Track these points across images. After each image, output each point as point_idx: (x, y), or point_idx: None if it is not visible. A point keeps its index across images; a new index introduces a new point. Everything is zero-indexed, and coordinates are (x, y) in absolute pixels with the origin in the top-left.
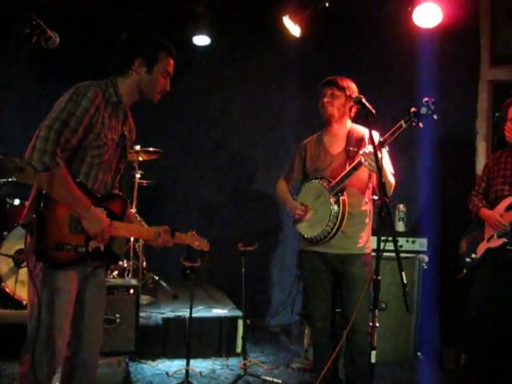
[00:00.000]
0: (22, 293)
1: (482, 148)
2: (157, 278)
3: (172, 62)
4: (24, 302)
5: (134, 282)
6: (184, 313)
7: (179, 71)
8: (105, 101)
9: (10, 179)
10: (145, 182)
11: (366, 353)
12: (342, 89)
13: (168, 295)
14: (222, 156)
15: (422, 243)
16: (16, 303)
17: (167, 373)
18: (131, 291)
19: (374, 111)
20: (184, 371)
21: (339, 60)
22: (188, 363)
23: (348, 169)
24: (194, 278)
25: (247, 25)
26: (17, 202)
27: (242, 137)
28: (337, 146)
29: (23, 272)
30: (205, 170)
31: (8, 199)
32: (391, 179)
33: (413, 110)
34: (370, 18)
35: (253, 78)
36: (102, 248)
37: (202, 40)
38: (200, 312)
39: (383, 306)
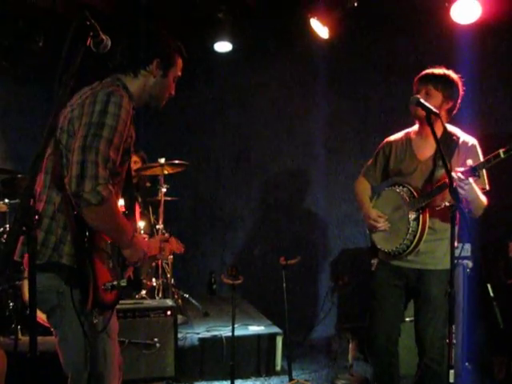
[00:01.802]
0: None
1: None
2: (187, 296)
3: (182, 65)
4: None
5: (169, 302)
6: (219, 332)
7: (200, 79)
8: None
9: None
10: (169, 198)
11: (439, 378)
12: (441, 88)
13: (198, 313)
14: (246, 166)
15: (465, 248)
16: (43, 329)
17: None
18: (168, 313)
19: (436, 111)
20: None
21: (370, 61)
22: None
23: (433, 189)
24: (235, 296)
25: (269, 29)
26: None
27: (265, 145)
28: (426, 151)
29: None
30: (228, 182)
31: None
32: (482, 201)
33: None
34: (402, 15)
35: (276, 84)
36: (132, 276)
37: (223, 46)
38: (236, 330)
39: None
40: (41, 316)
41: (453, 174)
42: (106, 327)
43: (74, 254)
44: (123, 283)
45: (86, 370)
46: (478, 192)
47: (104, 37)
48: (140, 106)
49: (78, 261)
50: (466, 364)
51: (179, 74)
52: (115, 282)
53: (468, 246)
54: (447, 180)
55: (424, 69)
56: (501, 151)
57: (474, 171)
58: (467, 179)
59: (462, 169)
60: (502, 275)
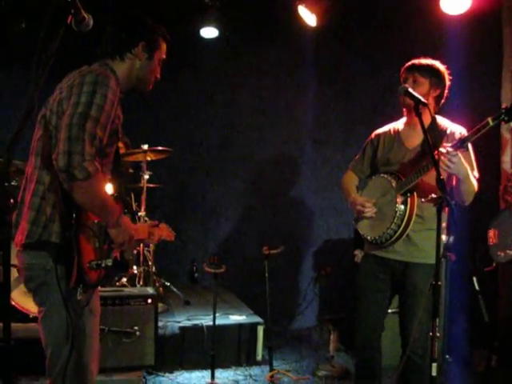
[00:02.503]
0: (28, 304)
1: (506, 139)
2: (168, 284)
3: (165, 48)
4: (31, 315)
5: (150, 290)
6: (200, 320)
7: (186, 65)
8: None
9: (11, 183)
10: (152, 185)
11: (422, 371)
12: (427, 75)
13: (179, 301)
14: (230, 155)
15: (444, 241)
16: (22, 316)
17: None
18: (149, 301)
19: (423, 100)
20: None
21: (358, 50)
22: (213, 376)
23: (421, 167)
24: (216, 285)
25: (256, 16)
26: (12, 221)
27: (250, 134)
28: (413, 140)
29: None
30: (211, 169)
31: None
32: (474, 183)
33: (504, 106)
34: (391, 4)
35: (262, 72)
36: (118, 257)
37: (209, 32)
38: (217, 319)
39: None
40: (20, 303)
41: (441, 148)
42: (88, 302)
43: (62, 233)
44: (109, 262)
45: (65, 345)
46: (468, 170)
47: (86, 15)
48: (127, 90)
49: (64, 238)
50: (447, 356)
51: (163, 56)
52: (100, 261)
53: (451, 239)
54: (435, 157)
55: (412, 59)
56: (489, 119)
57: (462, 143)
58: (456, 152)
59: (450, 144)
60: (479, 263)
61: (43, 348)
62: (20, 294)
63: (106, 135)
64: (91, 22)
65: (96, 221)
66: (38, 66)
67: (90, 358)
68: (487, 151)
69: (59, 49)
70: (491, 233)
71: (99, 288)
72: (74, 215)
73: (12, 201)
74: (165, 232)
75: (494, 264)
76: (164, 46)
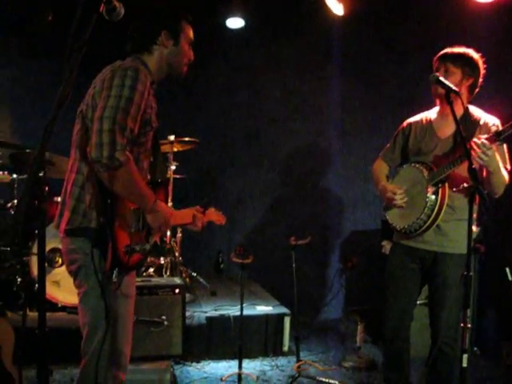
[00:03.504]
0: (57, 294)
1: None
2: (194, 275)
3: (191, 29)
4: (59, 304)
5: (178, 280)
6: (227, 311)
7: (212, 56)
8: (150, 82)
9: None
10: (178, 176)
11: (452, 362)
12: (460, 64)
13: (205, 292)
14: (256, 145)
15: (476, 232)
16: (51, 305)
17: (221, 378)
18: (176, 291)
19: (455, 88)
20: (236, 375)
21: (385, 40)
22: (240, 366)
23: (454, 158)
24: (243, 276)
25: (282, 6)
26: (47, 207)
27: (276, 125)
28: (446, 130)
29: (57, 272)
30: (237, 160)
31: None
32: (505, 176)
33: None
34: None
35: (288, 62)
36: (158, 241)
37: (235, 23)
38: (244, 310)
39: None
40: (49, 293)
41: (475, 139)
42: (120, 285)
43: (99, 219)
44: (146, 247)
45: (101, 326)
46: (500, 164)
47: (117, 4)
48: (163, 79)
49: (100, 224)
50: (475, 349)
51: (191, 37)
52: (136, 246)
53: (479, 230)
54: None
55: (440, 50)
56: None
57: (498, 136)
58: (491, 145)
59: (485, 135)
60: (509, 254)
61: (79, 330)
62: (49, 284)
63: (138, 125)
64: (122, 11)
65: (132, 208)
66: (70, 55)
67: (124, 340)
68: None
69: (93, 41)
70: None
71: (134, 273)
72: (109, 202)
73: (47, 189)
74: (213, 216)
75: None
76: (188, 28)
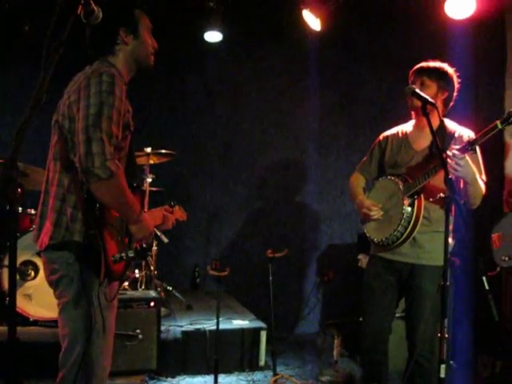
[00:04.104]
0: (29, 308)
1: (509, 144)
2: (170, 288)
3: (146, 16)
4: (31, 318)
5: (153, 293)
6: (203, 325)
7: (189, 68)
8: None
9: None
10: (155, 188)
11: (430, 374)
12: (435, 78)
13: (181, 306)
14: (234, 159)
15: (452, 244)
16: (22, 319)
17: None
18: (152, 304)
19: (431, 100)
20: None
21: (362, 55)
22: (216, 381)
23: (428, 169)
24: (220, 288)
25: (260, 20)
26: (19, 210)
27: (254, 138)
28: (422, 142)
29: (29, 285)
30: (214, 174)
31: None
32: (481, 187)
33: None
34: (396, 9)
35: (266, 76)
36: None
37: (213, 36)
38: (220, 324)
39: None
40: (20, 306)
41: (448, 152)
42: (115, 297)
43: (84, 231)
44: (131, 254)
45: (82, 338)
46: (475, 174)
47: (95, 8)
48: (133, 75)
49: (90, 236)
50: (451, 362)
51: (149, 25)
52: (123, 254)
53: (452, 243)
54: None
55: (416, 63)
56: (498, 122)
57: (470, 146)
58: (463, 155)
59: (457, 146)
60: (482, 268)
61: (51, 344)
62: (20, 297)
63: (120, 131)
64: (100, 15)
65: (117, 215)
66: (47, 56)
67: (106, 354)
68: (490, 156)
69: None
70: (495, 237)
71: (117, 283)
72: (98, 213)
73: (20, 190)
74: (178, 213)
75: (498, 269)
76: (143, 16)
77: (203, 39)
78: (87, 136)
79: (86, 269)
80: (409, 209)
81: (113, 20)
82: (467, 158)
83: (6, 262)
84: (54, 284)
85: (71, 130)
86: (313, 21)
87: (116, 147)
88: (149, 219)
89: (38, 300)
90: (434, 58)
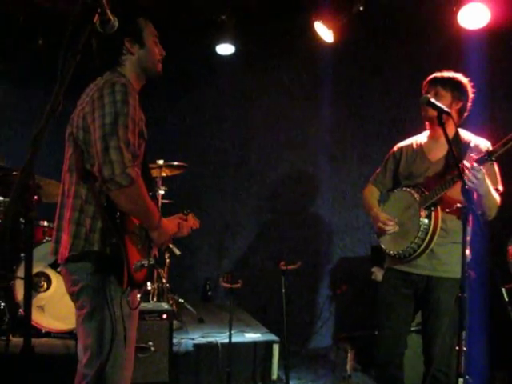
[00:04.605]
0: (41, 319)
1: None
2: (182, 301)
3: (150, 23)
4: (43, 330)
5: (165, 306)
6: (215, 338)
7: (202, 81)
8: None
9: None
10: (167, 201)
11: None
12: (449, 88)
13: (193, 319)
14: (245, 172)
15: (469, 256)
16: (35, 330)
17: None
18: (164, 316)
19: (447, 110)
20: None
21: (375, 68)
22: None
23: (445, 180)
24: (232, 300)
25: (272, 32)
26: (35, 217)
27: (266, 151)
28: (437, 152)
29: (42, 297)
30: (226, 186)
31: (22, 219)
32: (495, 198)
33: None
34: (409, 20)
35: (278, 89)
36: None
37: (225, 49)
38: (232, 337)
39: None
40: (33, 318)
41: (465, 162)
42: (139, 304)
43: (105, 240)
44: (151, 261)
45: (105, 350)
46: (490, 186)
47: (111, 17)
48: (143, 84)
49: (111, 244)
50: (467, 377)
51: (154, 32)
52: (144, 262)
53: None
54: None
55: (429, 75)
56: None
57: (490, 156)
58: (480, 167)
59: (475, 157)
60: (499, 280)
61: (63, 356)
62: (33, 309)
63: (137, 139)
64: (116, 24)
65: (137, 223)
66: (63, 64)
67: (126, 364)
68: (505, 166)
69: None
70: (511, 249)
71: (137, 292)
72: (119, 221)
73: (36, 198)
74: (191, 221)
75: None
76: (147, 24)
77: (215, 52)
78: (105, 145)
79: (107, 278)
80: (426, 220)
81: (117, 31)
82: (483, 171)
83: (19, 274)
84: (75, 295)
85: (86, 140)
86: (325, 33)
87: (133, 155)
88: (168, 224)
89: (51, 312)
90: (447, 69)
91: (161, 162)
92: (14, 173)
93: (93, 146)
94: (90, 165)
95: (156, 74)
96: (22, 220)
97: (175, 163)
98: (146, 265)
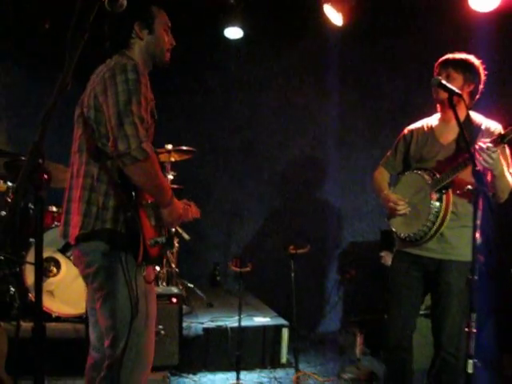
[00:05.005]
0: (51, 304)
1: None
2: (191, 286)
3: (164, 13)
4: (53, 314)
5: (175, 289)
6: (224, 322)
7: (210, 65)
8: None
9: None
10: (176, 186)
11: (456, 371)
12: (461, 70)
13: (202, 303)
14: (254, 156)
15: (479, 240)
16: (45, 315)
17: None
18: (174, 300)
19: (458, 91)
20: None
21: (384, 51)
22: (238, 377)
23: (457, 163)
24: (242, 285)
25: (282, 16)
26: (45, 196)
27: (274, 136)
28: (448, 135)
29: (51, 282)
30: (235, 171)
31: (31, 204)
32: (509, 180)
33: None
34: (419, 3)
35: (287, 73)
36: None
37: (234, 33)
38: (242, 321)
39: None
40: (44, 303)
41: (480, 143)
42: (154, 279)
43: (118, 217)
44: (164, 239)
45: (126, 328)
46: (504, 167)
47: None
48: (150, 70)
49: (128, 217)
50: (475, 360)
51: (167, 22)
52: (159, 238)
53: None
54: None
55: (438, 58)
56: None
57: (503, 138)
58: (495, 148)
59: (489, 139)
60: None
61: (73, 341)
62: (43, 294)
63: (149, 117)
64: (125, 3)
65: (149, 201)
66: (72, 43)
67: (150, 340)
68: None
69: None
70: None
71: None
72: (134, 195)
73: (46, 177)
74: (194, 209)
75: None
76: (161, 13)
77: (223, 36)
78: (120, 121)
79: (122, 256)
80: (437, 203)
81: (128, 14)
82: (498, 151)
83: (29, 259)
84: (90, 277)
85: (98, 119)
86: (334, 15)
87: (146, 131)
88: (179, 203)
89: (61, 296)
90: (458, 51)
91: (169, 146)
92: (23, 158)
93: (105, 124)
94: (101, 143)
95: (163, 62)
96: (31, 206)
97: (184, 148)
98: (160, 242)
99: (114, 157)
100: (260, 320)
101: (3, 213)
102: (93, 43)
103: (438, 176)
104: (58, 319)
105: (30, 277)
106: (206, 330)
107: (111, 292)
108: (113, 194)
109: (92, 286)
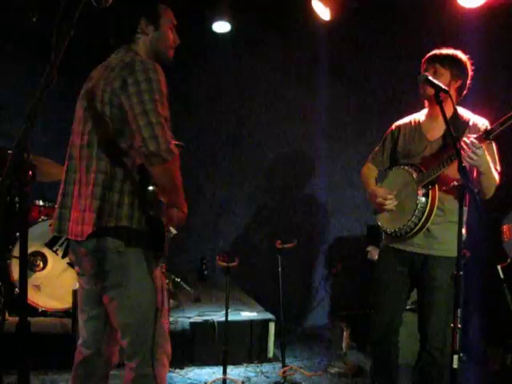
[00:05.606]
0: (38, 298)
1: None
2: (178, 280)
3: (170, 11)
4: (39, 309)
5: None
6: (211, 316)
7: (198, 59)
8: None
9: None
10: None
11: (442, 365)
12: (448, 65)
13: (189, 298)
14: (242, 151)
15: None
16: (31, 309)
17: (205, 382)
18: None
19: (445, 88)
20: (221, 380)
21: (372, 46)
22: (225, 371)
23: (443, 159)
24: (229, 280)
25: (270, 11)
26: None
27: (262, 130)
28: (435, 131)
29: (38, 276)
30: (223, 165)
31: (17, 199)
32: (495, 177)
33: None
34: None
35: (275, 67)
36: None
37: (222, 27)
38: (229, 315)
39: None
40: (29, 297)
41: (465, 139)
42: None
43: (132, 215)
44: (171, 235)
45: (149, 324)
46: (490, 164)
47: None
48: None
49: (149, 217)
50: (461, 355)
51: (172, 20)
52: (169, 234)
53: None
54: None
55: (427, 54)
56: None
57: (488, 134)
58: (480, 144)
59: (474, 135)
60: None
61: (60, 336)
62: (29, 288)
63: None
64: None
65: (159, 200)
66: (57, 38)
67: (167, 332)
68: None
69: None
70: (505, 228)
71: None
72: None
73: (31, 173)
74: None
75: (509, 260)
76: (167, 11)
77: (211, 30)
78: (148, 120)
79: (141, 252)
80: (423, 199)
81: (134, 8)
82: (483, 147)
83: (15, 253)
84: (102, 274)
85: (114, 116)
86: (322, 10)
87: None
88: (186, 206)
89: (47, 291)
90: (446, 47)
91: None
92: (10, 151)
93: (121, 121)
94: (116, 140)
95: (167, 59)
96: (17, 200)
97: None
98: (170, 236)
99: (142, 156)
100: (247, 314)
101: None
102: (79, 38)
103: (424, 171)
104: (45, 313)
105: (16, 271)
106: (192, 324)
107: (130, 289)
108: (128, 190)
109: (103, 285)
